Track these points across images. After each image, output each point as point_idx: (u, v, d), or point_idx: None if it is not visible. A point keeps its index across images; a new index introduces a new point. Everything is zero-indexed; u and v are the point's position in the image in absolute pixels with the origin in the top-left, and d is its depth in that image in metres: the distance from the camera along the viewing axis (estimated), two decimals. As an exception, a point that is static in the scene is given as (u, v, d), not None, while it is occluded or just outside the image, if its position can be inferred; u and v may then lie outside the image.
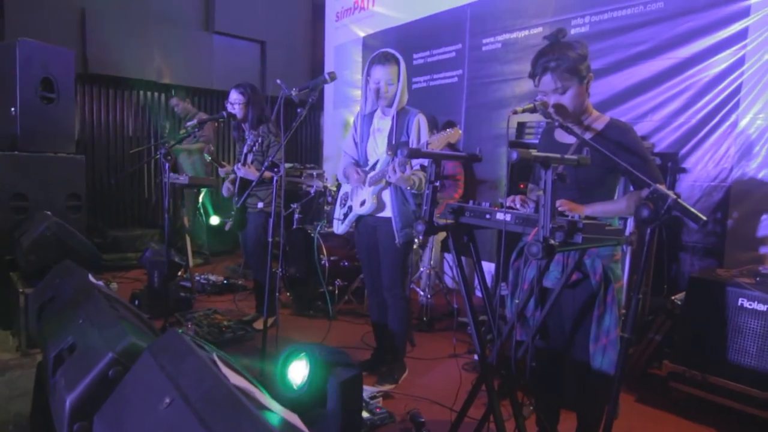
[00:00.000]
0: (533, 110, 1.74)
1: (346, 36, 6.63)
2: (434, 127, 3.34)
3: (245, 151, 3.49)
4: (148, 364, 1.16)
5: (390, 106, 2.71)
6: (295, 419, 1.02)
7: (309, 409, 1.76)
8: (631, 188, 1.89)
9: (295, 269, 4.35)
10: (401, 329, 2.87)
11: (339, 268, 4.10)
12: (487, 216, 1.63)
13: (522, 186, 3.34)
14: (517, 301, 1.87)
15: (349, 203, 2.90)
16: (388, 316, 2.88)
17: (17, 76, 3.51)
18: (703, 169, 3.41)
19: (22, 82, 3.53)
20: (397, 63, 2.64)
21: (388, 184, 2.66)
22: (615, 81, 3.81)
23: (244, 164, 3.41)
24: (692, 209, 1.33)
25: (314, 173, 5.22)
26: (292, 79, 5.21)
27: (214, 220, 5.56)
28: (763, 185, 3.18)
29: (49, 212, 3.24)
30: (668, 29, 3.54)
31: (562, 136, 1.93)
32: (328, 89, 6.82)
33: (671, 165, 3.46)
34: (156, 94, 6.35)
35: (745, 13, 3.20)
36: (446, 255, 4.58)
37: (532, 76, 1.83)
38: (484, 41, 4.85)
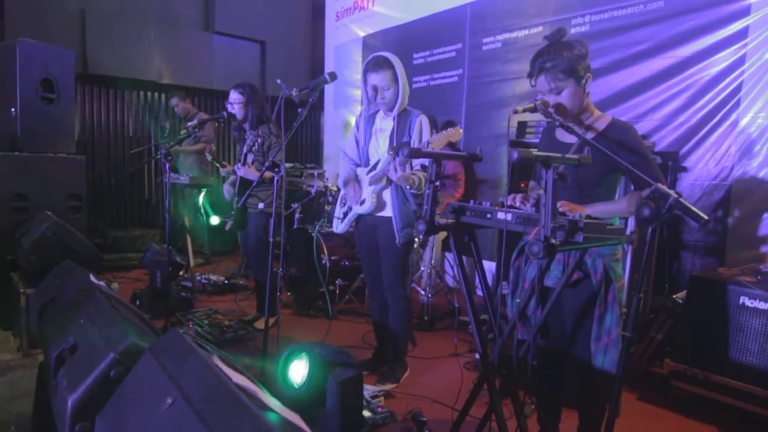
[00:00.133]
0: (534, 110, 1.74)
1: (346, 36, 6.63)
2: (434, 126, 3.33)
3: (245, 150, 3.49)
4: (149, 365, 1.16)
5: (391, 109, 2.70)
6: (296, 419, 1.02)
7: (309, 408, 1.77)
8: (632, 188, 1.89)
9: (296, 269, 4.36)
10: (402, 328, 2.87)
11: (340, 268, 4.10)
12: (488, 215, 1.63)
13: (523, 185, 3.33)
14: (518, 300, 1.87)
15: (348, 203, 2.90)
16: (388, 315, 2.88)
17: (17, 76, 3.51)
18: (704, 168, 3.41)
19: (22, 82, 3.53)
20: (391, 66, 2.61)
21: (389, 182, 2.66)
22: (615, 80, 3.81)
23: (244, 164, 3.41)
24: (694, 208, 1.33)
25: (315, 173, 5.22)
26: (292, 79, 5.21)
27: (215, 220, 5.56)
28: (764, 184, 3.18)
29: (50, 212, 3.25)
30: (668, 28, 3.53)
31: (563, 136, 1.93)
32: (328, 89, 6.81)
33: (672, 164, 3.46)
34: (156, 94, 6.35)
35: (746, 12, 3.20)
36: (447, 254, 4.58)
37: (530, 76, 1.83)
38: (485, 41, 4.84)
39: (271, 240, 2.51)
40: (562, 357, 2.01)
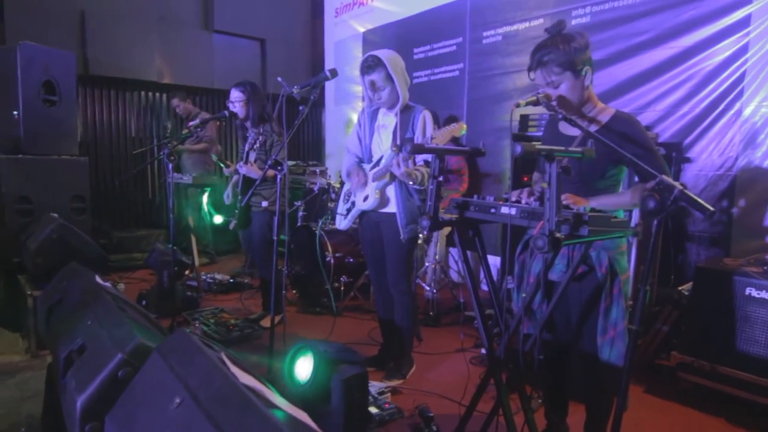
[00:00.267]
0: (536, 103, 1.73)
1: (345, 32, 6.61)
2: (436, 122, 3.32)
3: (246, 149, 3.49)
4: (157, 365, 1.16)
5: (391, 107, 2.69)
6: (304, 417, 1.02)
7: (315, 406, 1.77)
8: (636, 180, 1.88)
9: (301, 266, 4.36)
10: (408, 324, 2.88)
11: (344, 265, 4.11)
12: (492, 210, 1.62)
13: (526, 179, 3.33)
14: (524, 295, 1.87)
15: (352, 199, 2.90)
16: (394, 311, 2.88)
17: (19, 79, 3.52)
18: (708, 159, 3.39)
19: (23, 85, 3.54)
20: (383, 66, 2.58)
21: (393, 178, 2.66)
22: (617, 71, 3.79)
23: (246, 162, 3.41)
24: (699, 200, 1.32)
25: (317, 170, 5.22)
26: (293, 76, 5.21)
27: (218, 219, 5.57)
28: (769, 173, 3.16)
29: (54, 214, 3.26)
30: (670, 18, 3.51)
31: (566, 128, 1.92)
32: (329, 86, 6.80)
33: (675, 155, 3.44)
34: (157, 94, 6.36)
35: (748, 0, 3.17)
36: (451, 249, 4.58)
37: (529, 69, 1.83)
38: (485, 34, 4.82)
39: (275, 238, 2.51)
40: (568, 351, 2.01)
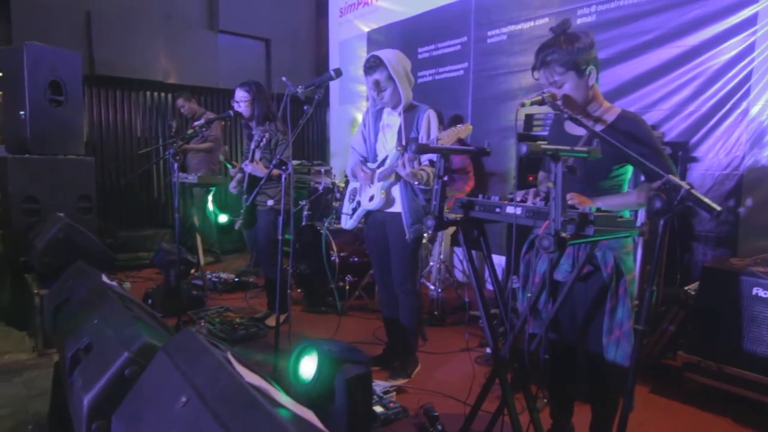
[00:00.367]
0: (541, 103, 1.73)
1: (350, 31, 6.61)
2: (440, 122, 3.31)
3: (252, 147, 3.50)
4: (163, 364, 1.17)
5: (394, 107, 2.69)
6: (310, 416, 1.02)
7: (319, 405, 1.78)
8: (642, 179, 1.87)
9: (305, 266, 4.37)
10: (412, 324, 2.88)
11: (349, 264, 4.11)
12: (498, 210, 1.62)
13: (531, 178, 3.32)
14: (529, 294, 1.86)
15: (357, 198, 2.90)
16: (399, 310, 2.88)
17: (26, 79, 3.54)
18: (715, 158, 3.37)
19: (30, 85, 3.56)
20: (384, 67, 2.58)
21: (398, 178, 2.66)
22: (623, 71, 3.77)
23: (252, 161, 3.41)
24: (706, 199, 1.32)
25: (322, 170, 5.23)
26: (297, 76, 5.21)
27: (223, 218, 5.59)
28: (776, 172, 3.14)
29: (61, 214, 3.28)
30: (676, 17, 3.49)
31: (572, 128, 1.91)
32: (334, 85, 6.81)
33: (682, 154, 3.43)
34: (163, 94, 6.38)
35: (755, -2, 3.15)
36: (456, 249, 4.57)
37: (533, 69, 1.82)
38: (490, 33, 4.81)
39: (280, 237, 2.52)
40: (573, 350, 2.00)
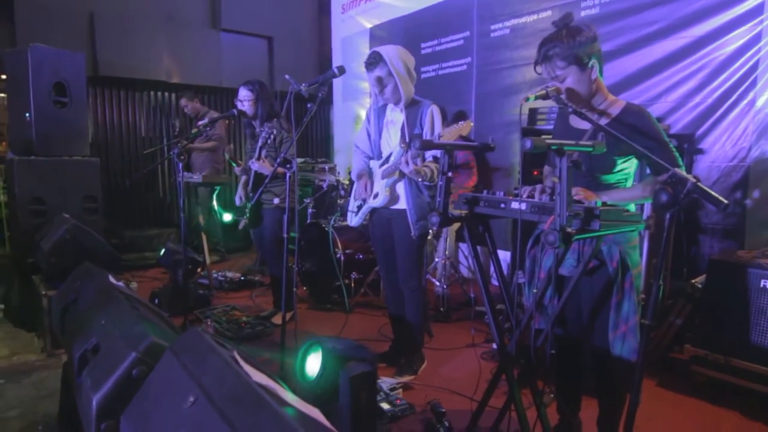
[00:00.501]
0: (545, 97, 1.72)
1: (352, 28, 6.60)
2: (444, 117, 3.30)
3: (259, 145, 3.49)
4: (170, 364, 1.18)
5: (396, 103, 2.69)
6: (317, 414, 1.02)
7: (324, 402, 1.78)
8: (648, 171, 1.86)
9: (311, 263, 4.38)
10: (418, 320, 2.88)
11: (354, 261, 4.12)
12: (502, 205, 1.62)
13: (536, 173, 3.30)
14: (535, 290, 1.86)
15: (358, 197, 2.90)
16: (404, 307, 2.88)
17: (30, 81, 3.55)
18: (721, 150, 3.34)
19: (35, 87, 3.57)
20: (384, 63, 2.56)
21: (402, 175, 2.65)
22: (627, 63, 3.75)
23: (258, 159, 3.41)
24: (713, 193, 1.30)
25: (326, 167, 5.23)
26: (301, 73, 5.20)
27: (227, 217, 5.60)
28: (784, 164, 3.12)
29: (67, 215, 3.29)
30: (681, 7, 3.46)
31: (577, 122, 1.90)
32: (337, 82, 6.81)
33: (688, 146, 3.40)
34: (167, 94, 6.40)
35: (761, -12, 3.12)
36: (461, 244, 4.56)
37: (536, 63, 1.81)
38: (493, 27, 4.79)
39: (285, 236, 2.52)
40: (580, 345, 2.00)
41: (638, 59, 3.70)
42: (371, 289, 4.23)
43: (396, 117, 2.74)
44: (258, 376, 1.05)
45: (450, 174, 1.73)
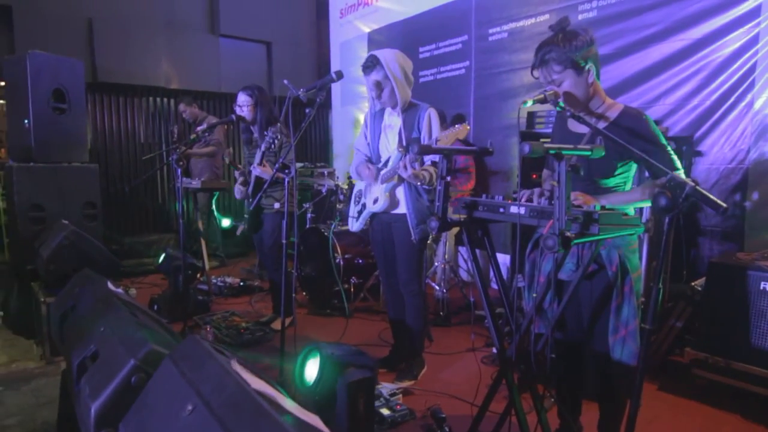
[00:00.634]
0: (544, 101, 1.72)
1: (350, 32, 6.62)
2: (443, 121, 3.30)
3: (262, 150, 3.49)
4: (169, 372, 1.17)
5: (393, 106, 2.69)
6: (316, 421, 1.02)
7: (322, 408, 1.78)
8: (646, 175, 1.86)
9: (310, 268, 4.37)
10: (418, 325, 2.87)
11: (354, 266, 4.11)
12: (501, 209, 1.62)
13: (534, 177, 3.31)
14: (534, 294, 1.86)
15: (362, 201, 2.90)
16: (404, 312, 2.88)
17: (29, 88, 3.55)
18: (720, 152, 3.35)
19: (33, 94, 3.58)
20: (381, 66, 2.56)
21: (401, 180, 2.65)
22: (625, 66, 3.75)
23: (260, 164, 3.41)
24: (711, 196, 1.30)
25: (325, 172, 5.23)
26: (299, 78, 5.22)
27: (226, 222, 5.60)
28: (782, 165, 3.12)
29: (66, 221, 3.29)
30: (678, 10, 3.47)
31: (575, 126, 1.90)
32: (335, 87, 6.82)
33: (686, 148, 3.40)
34: (165, 99, 6.41)
35: (758, -10, 3.13)
36: (460, 248, 4.56)
37: (533, 68, 1.81)
38: (491, 31, 4.80)
39: (284, 241, 2.52)
40: (580, 350, 1.99)
41: (636, 62, 3.71)
42: (371, 293, 4.22)
43: (394, 121, 2.74)
44: (257, 384, 1.05)
45: (449, 178, 1.73)
